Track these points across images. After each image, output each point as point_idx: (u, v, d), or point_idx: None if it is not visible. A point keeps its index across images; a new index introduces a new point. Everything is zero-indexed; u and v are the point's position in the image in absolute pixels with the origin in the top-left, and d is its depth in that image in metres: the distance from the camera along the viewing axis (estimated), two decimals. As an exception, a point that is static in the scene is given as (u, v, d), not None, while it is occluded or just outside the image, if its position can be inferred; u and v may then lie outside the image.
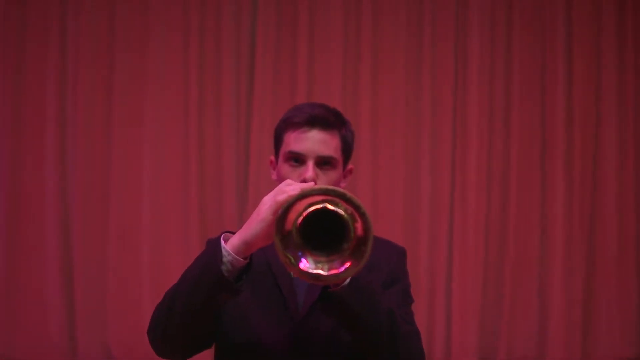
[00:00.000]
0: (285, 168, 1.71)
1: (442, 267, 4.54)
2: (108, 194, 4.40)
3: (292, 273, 1.39)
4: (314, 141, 1.69)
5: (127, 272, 4.36)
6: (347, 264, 1.38)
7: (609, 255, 4.58)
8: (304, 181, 1.61)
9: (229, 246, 1.47)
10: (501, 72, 4.63)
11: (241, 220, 4.23)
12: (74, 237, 4.36)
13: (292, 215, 1.37)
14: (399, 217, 4.52)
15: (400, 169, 4.56)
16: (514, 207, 4.57)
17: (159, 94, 4.45)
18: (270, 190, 1.49)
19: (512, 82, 4.63)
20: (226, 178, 4.47)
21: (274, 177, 1.77)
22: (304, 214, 1.37)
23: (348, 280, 1.44)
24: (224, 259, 1.46)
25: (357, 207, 1.36)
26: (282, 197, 1.43)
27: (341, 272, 1.38)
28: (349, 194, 1.37)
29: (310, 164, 1.68)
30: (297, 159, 1.69)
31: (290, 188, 1.45)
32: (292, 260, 1.37)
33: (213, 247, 1.49)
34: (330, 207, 1.37)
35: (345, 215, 1.37)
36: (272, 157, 1.79)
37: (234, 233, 1.51)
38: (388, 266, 1.72)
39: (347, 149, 1.76)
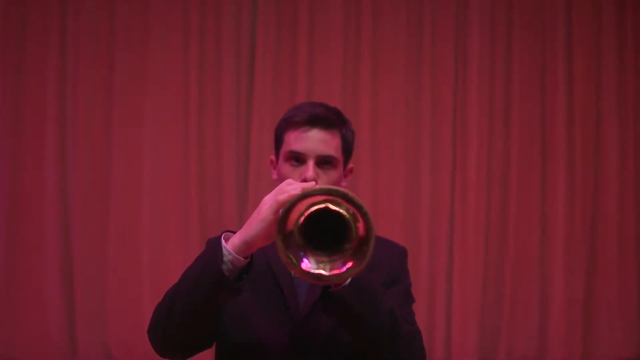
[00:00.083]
0: (285, 167, 1.70)
1: (442, 267, 4.54)
2: (108, 194, 4.39)
3: (293, 273, 1.39)
4: (314, 141, 1.68)
5: (127, 272, 4.36)
6: (349, 264, 1.37)
7: (610, 255, 4.58)
8: (305, 181, 1.61)
9: (230, 246, 1.47)
10: (501, 72, 4.63)
11: (241, 220, 4.23)
12: (74, 237, 4.36)
13: (293, 215, 1.37)
14: (399, 217, 4.52)
15: (400, 169, 4.56)
16: (514, 207, 4.57)
17: (159, 94, 4.45)
18: (271, 190, 1.48)
19: (512, 82, 4.63)
20: (226, 178, 4.47)
21: (274, 176, 1.76)
22: (306, 214, 1.37)
23: (349, 280, 1.44)
24: (225, 259, 1.46)
25: (359, 207, 1.36)
26: (283, 197, 1.43)
27: (343, 272, 1.38)
28: (350, 193, 1.36)
29: (311, 163, 1.67)
30: (298, 159, 1.69)
31: (291, 188, 1.45)
32: (294, 260, 1.37)
33: (213, 246, 1.49)
34: (332, 207, 1.37)
35: (347, 215, 1.36)
36: (273, 157, 1.79)
37: (234, 232, 1.50)
38: (389, 266, 1.72)
39: (347, 149, 1.76)
